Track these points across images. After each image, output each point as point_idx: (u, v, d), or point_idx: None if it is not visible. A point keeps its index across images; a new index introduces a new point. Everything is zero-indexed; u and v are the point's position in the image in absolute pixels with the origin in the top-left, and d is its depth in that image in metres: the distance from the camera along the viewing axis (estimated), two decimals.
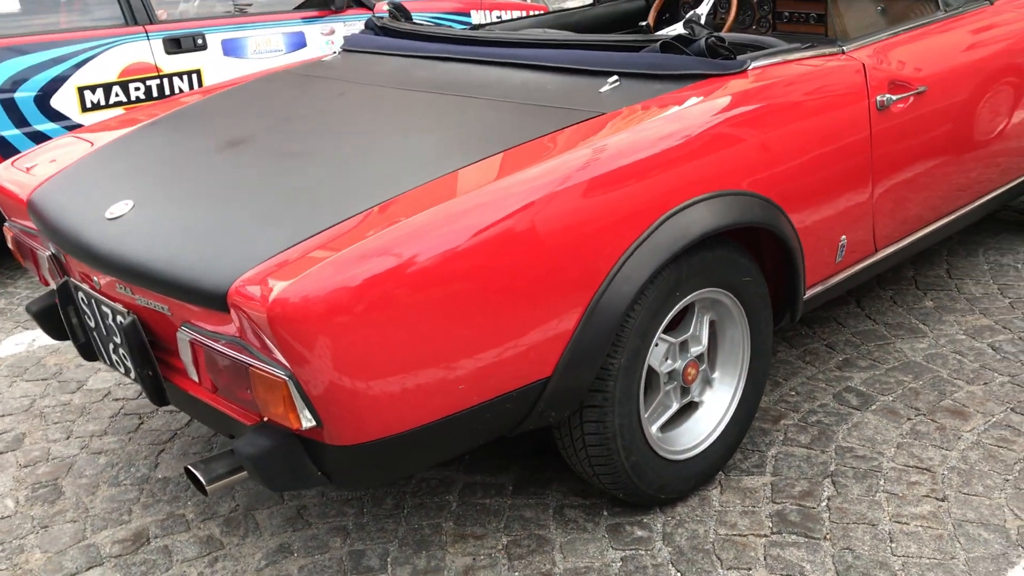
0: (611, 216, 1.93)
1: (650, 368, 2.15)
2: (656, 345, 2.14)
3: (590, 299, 1.93)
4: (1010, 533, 2.13)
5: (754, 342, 2.34)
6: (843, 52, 2.52)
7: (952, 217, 2.95)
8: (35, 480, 2.58)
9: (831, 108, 2.39)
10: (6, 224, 2.51)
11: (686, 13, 3.63)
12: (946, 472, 2.35)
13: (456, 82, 2.45)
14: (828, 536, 2.15)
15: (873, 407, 2.65)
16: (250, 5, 4.51)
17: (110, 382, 3.09)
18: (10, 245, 2.55)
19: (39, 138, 3.83)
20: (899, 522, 2.19)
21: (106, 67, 3.97)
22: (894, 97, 2.52)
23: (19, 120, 3.77)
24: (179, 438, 2.74)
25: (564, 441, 2.14)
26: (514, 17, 5.20)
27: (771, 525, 2.20)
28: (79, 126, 3.92)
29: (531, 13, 5.24)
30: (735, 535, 2.18)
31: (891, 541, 2.13)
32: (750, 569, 2.07)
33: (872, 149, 2.49)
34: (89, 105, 3.94)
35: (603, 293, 1.93)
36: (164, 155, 2.35)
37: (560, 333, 1.91)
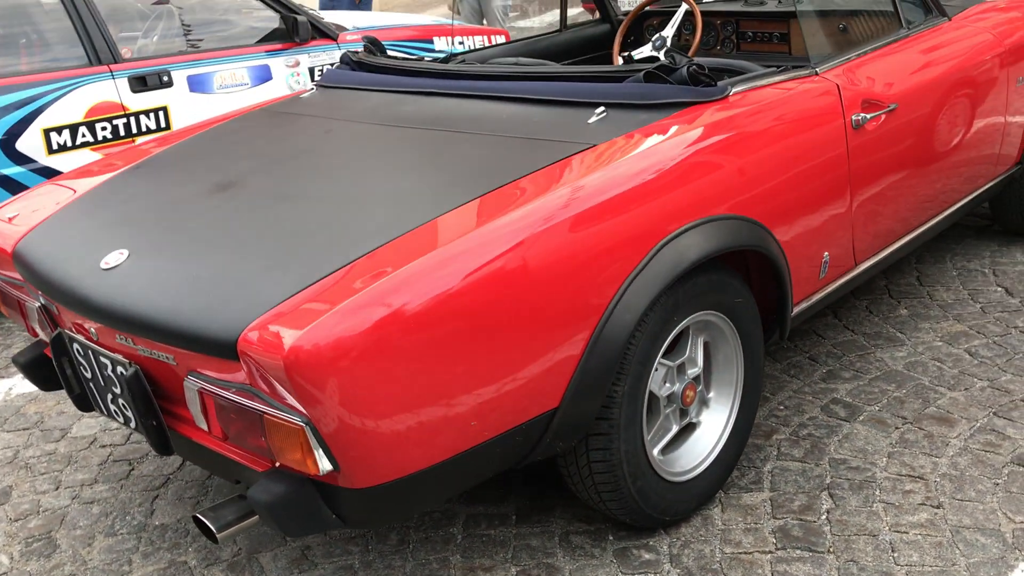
0: (610, 247, 1.97)
1: (650, 393, 2.19)
2: (656, 370, 2.17)
3: (593, 329, 1.96)
4: (1006, 537, 2.19)
5: (747, 361, 2.38)
6: (817, 74, 2.59)
7: (924, 228, 3.03)
8: (27, 534, 2.53)
9: (810, 129, 2.46)
10: None
11: (651, 36, 3.68)
12: (938, 479, 2.41)
13: (444, 117, 2.47)
14: (832, 549, 2.20)
15: (861, 418, 2.71)
16: (202, 40, 4.48)
17: (95, 428, 3.05)
18: None
19: (6, 183, 3.78)
20: (898, 531, 2.24)
21: (72, 108, 3.92)
22: (868, 116, 2.59)
23: None
24: (172, 483, 2.71)
25: (570, 469, 2.16)
26: (479, 44, 5.24)
27: (775, 541, 2.24)
28: (46, 168, 3.87)
29: (493, 38, 5.28)
30: (741, 553, 2.22)
31: (893, 551, 2.18)
32: None
33: (850, 166, 2.56)
34: (56, 147, 3.90)
35: (606, 322, 1.96)
36: (153, 201, 2.33)
37: (566, 364, 1.94)
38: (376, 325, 1.67)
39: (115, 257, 2.05)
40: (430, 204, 1.96)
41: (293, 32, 4.56)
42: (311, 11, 4.91)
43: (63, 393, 3.03)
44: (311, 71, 4.62)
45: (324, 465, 1.70)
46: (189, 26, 4.63)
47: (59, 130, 3.89)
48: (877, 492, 2.38)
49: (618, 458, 2.09)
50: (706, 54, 3.73)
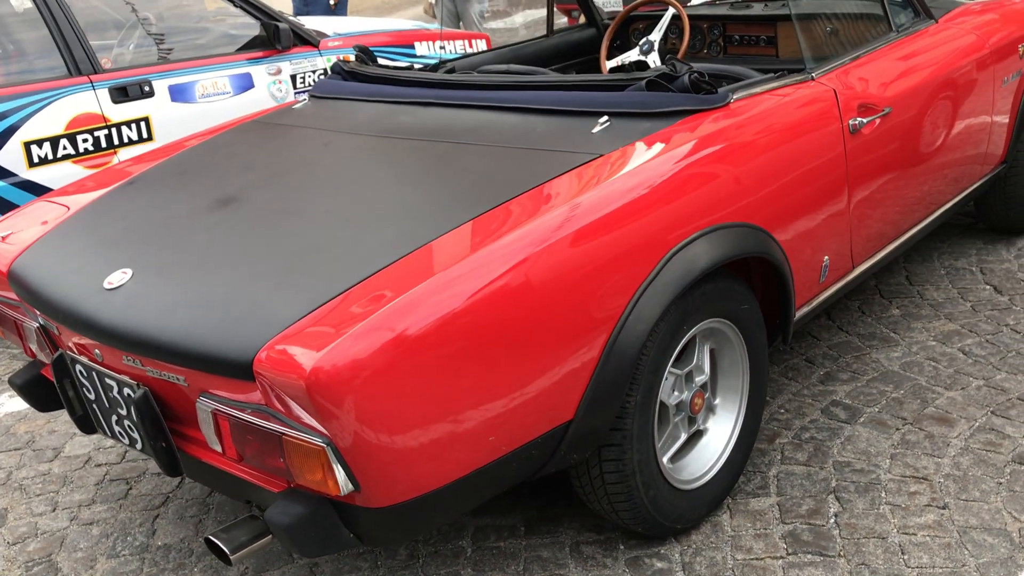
0: (621, 257, 1.96)
1: (660, 401, 2.19)
2: (666, 379, 2.17)
3: (606, 340, 1.96)
4: (1012, 536, 2.21)
5: (752, 366, 2.39)
6: (813, 79, 2.61)
7: (917, 228, 3.06)
8: (27, 558, 2.49)
9: (809, 134, 2.47)
10: None
11: (637, 40, 3.69)
12: (942, 480, 2.44)
13: (444, 128, 2.45)
14: (842, 553, 2.21)
15: (861, 419, 2.73)
16: (171, 51, 4.42)
17: (88, 447, 3.00)
18: None
19: None
20: (907, 533, 2.26)
21: (52, 120, 3.85)
22: (864, 120, 2.61)
23: None
24: (172, 501, 2.67)
25: (582, 480, 2.16)
26: (460, 49, 5.22)
27: (785, 546, 2.25)
28: (28, 182, 3.80)
29: (473, 42, 5.27)
30: (752, 559, 2.22)
31: (903, 553, 2.19)
32: None
33: (848, 170, 2.57)
34: (36, 160, 3.83)
35: (619, 333, 1.96)
36: (152, 218, 2.30)
37: (580, 376, 1.94)
38: (391, 344, 1.66)
39: (118, 277, 2.02)
40: (443, 217, 1.95)
41: (275, 39, 4.52)
42: (291, 18, 4.87)
43: (54, 412, 2.98)
44: (293, 78, 4.58)
45: (345, 485, 1.68)
46: (163, 35, 4.56)
47: (40, 143, 3.83)
48: (883, 494, 2.40)
49: (631, 468, 2.09)
50: (693, 58, 3.74)
